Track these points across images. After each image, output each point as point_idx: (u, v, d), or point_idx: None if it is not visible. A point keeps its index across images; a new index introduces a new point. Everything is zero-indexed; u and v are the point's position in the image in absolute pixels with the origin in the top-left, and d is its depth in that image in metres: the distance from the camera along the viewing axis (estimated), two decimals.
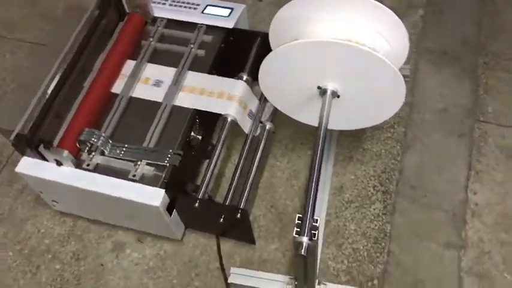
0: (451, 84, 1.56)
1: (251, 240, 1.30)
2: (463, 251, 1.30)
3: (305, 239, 0.88)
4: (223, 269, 1.31)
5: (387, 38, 1.05)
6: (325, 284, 1.23)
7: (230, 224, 1.22)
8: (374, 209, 1.37)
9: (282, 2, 1.79)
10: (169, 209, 1.21)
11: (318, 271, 1.25)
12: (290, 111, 1.18)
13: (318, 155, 0.99)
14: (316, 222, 0.90)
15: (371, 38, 1.03)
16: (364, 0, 1.00)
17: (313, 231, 0.89)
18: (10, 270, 1.36)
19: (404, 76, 1.47)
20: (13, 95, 1.57)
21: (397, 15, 1.66)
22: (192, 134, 1.31)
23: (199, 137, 1.34)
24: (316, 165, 0.98)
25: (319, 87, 1.04)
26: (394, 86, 1.03)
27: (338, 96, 1.06)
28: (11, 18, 1.89)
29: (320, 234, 1.31)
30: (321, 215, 1.34)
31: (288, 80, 1.08)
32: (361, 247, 1.32)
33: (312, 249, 0.88)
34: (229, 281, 1.27)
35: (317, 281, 1.22)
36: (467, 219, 1.34)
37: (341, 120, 1.14)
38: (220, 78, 1.33)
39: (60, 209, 1.39)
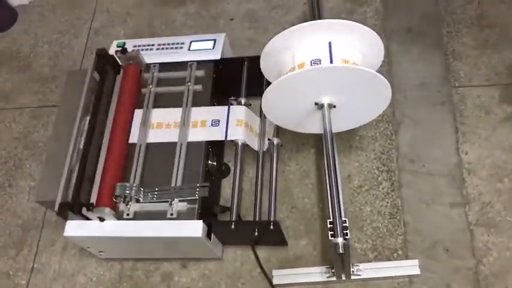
0: (422, 58, 1.72)
1: (284, 243, 1.45)
2: (468, 207, 1.47)
3: (340, 240, 1.03)
4: (265, 273, 1.46)
5: (363, 47, 1.19)
6: (358, 265, 1.39)
7: (263, 234, 1.37)
8: (383, 188, 1.53)
9: (252, 18, 1.93)
10: (209, 233, 1.36)
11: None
12: (293, 127, 1.32)
13: (331, 161, 1.14)
14: (346, 223, 1.05)
15: (350, 51, 1.17)
16: (337, 21, 1.13)
17: (345, 231, 1.04)
18: None
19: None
20: (40, 166, 1.69)
21: (358, 4, 1.82)
22: (209, 162, 1.45)
23: (215, 163, 1.47)
24: (332, 171, 1.13)
25: (316, 103, 1.19)
26: (378, 86, 1.17)
27: (334, 107, 1.20)
28: (5, 88, 1.98)
29: None
30: None
31: (287, 104, 1.22)
32: (380, 225, 1.48)
33: (347, 246, 1.04)
34: (274, 283, 1.43)
35: (350, 265, 1.38)
36: (465, 177, 1.51)
37: (341, 123, 1.29)
38: (221, 108, 1.47)
39: (107, 256, 1.53)
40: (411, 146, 1.58)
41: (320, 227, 1.50)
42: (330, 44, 1.13)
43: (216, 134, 1.42)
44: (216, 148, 1.48)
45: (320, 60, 1.13)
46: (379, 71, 1.20)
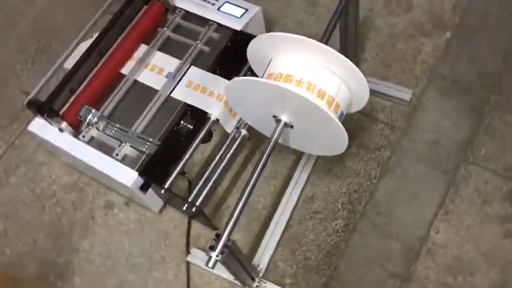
0: (452, 116, 1.55)
1: (212, 228, 1.44)
2: (406, 284, 1.36)
3: (214, 255, 1.01)
4: (187, 246, 1.47)
5: (347, 82, 1.09)
6: (266, 282, 1.36)
7: (192, 212, 1.37)
8: (335, 225, 1.45)
9: (312, 1, 1.82)
10: (147, 187, 1.38)
11: (262, 271, 1.38)
12: (252, 123, 1.27)
13: (255, 177, 1.09)
14: (229, 241, 1.02)
15: (327, 81, 1.08)
16: (325, 48, 1.04)
17: (224, 249, 1.01)
18: (23, 205, 1.62)
19: (403, 100, 1.51)
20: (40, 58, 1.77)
21: (421, 34, 1.65)
22: (182, 122, 1.44)
23: (190, 126, 1.46)
24: (251, 186, 1.08)
25: (274, 116, 1.13)
26: (336, 133, 1.08)
27: (292, 127, 1.13)
28: None
29: (277, 235, 1.43)
30: (282, 218, 1.45)
31: (249, 104, 1.17)
32: (313, 257, 1.42)
33: (221, 263, 1.01)
34: (187, 259, 1.44)
35: (258, 279, 1.36)
36: (421, 255, 1.39)
37: (296, 142, 1.22)
38: (215, 77, 1.43)
39: (66, 162, 1.61)
40: (387, 198, 1.47)
41: (259, 229, 1.47)
42: (304, 66, 1.05)
43: (194, 99, 1.40)
44: (197, 113, 1.46)
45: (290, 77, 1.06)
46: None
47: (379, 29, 1.73)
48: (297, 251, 1.44)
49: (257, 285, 1.35)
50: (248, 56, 1.20)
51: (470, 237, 1.39)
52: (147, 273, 1.46)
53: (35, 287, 1.48)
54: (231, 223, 1.05)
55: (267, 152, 1.11)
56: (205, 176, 1.35)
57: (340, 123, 1.05)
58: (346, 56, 1.27)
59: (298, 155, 1.55)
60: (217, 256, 1.01)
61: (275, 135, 1.12)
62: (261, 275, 1.38)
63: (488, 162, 1.48)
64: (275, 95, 1.06)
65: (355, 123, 1.57)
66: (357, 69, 1.06)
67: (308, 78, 1.06)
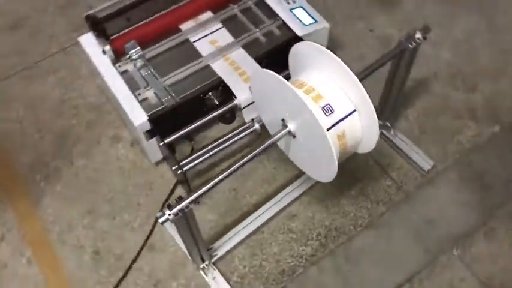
0: (460, 205, 1.51)
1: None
2: None
3: (167, 212, 1.04)
4: (163, 205, 1.52)
5: (366, 130, 1.11)
6: (214, 270, 1.39)
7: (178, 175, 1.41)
8: (302, 250, 1.46)
9: (385, 43, 1.82)
10: (153, 135, 1.43)
11: (216, 258, 1.40)
12: (267, 124, 1.30)
13: (243, 161, 1.12)
14: (187, 208, 1.06)
15: (343, 105, 1.10)
16: (353, 78, 1.06)
17: (179, 212, 1.05)
18: (47, 103, 1.73)
19: (421, 168, 1.49)
20: None
21: (470, 117, 1.63)
22: (210, 95, 1.48)
23: (216, 102, 1.51)
24: (241, 164, 1.11)
25: (282, 120, 1.15)
26: (329, 166, 1.09)
27: (294, 137, 1.16)
28: None
29: (245, 233, 1.45)
30: (257, 221, 1.47)
31: (267, 100, 1.20)
32: (267, 268, 1.43)
33: (171, 221, 1.05)
34: (157, 216, 1.48)
35: (209, 262, 1.39)
36: None
37: (294, 153, 1.24)
38: (251, 63, 1.47)
39: (97, 83, 1.70)
40: (363, 249, 1.45)
41: (232, 221, 1.50)
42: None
43: (229, 78, 1.45)
44: (227, 92, 1.50)
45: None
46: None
47: (433, 95, 1.71)
48: (256, 256, 1.45)
49: (204, 267, 1.38)
50: (289, 57, 1.23)
51: None
52: (118, 211, 1.52)
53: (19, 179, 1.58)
54: (197, 193, 1.09)
55: (261, 147, 1.14)
56: (205, 149, 1.39)
57: (336, 162, 1.06)
58: (385, 102, 1.30)
59: (302, 172, 1.55)
60: (169, 215, 1.05)
61: (276, 136, 1.15)
62: (213, 260, 1.40)
63: (474, 263, 1.43)
64: (293, 104, 1.08)
65: (367, 169, 1.56)
66: (377, 124, 1.08)
67: (334, 106, 1.08)
